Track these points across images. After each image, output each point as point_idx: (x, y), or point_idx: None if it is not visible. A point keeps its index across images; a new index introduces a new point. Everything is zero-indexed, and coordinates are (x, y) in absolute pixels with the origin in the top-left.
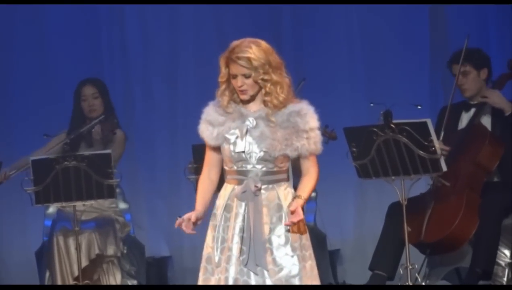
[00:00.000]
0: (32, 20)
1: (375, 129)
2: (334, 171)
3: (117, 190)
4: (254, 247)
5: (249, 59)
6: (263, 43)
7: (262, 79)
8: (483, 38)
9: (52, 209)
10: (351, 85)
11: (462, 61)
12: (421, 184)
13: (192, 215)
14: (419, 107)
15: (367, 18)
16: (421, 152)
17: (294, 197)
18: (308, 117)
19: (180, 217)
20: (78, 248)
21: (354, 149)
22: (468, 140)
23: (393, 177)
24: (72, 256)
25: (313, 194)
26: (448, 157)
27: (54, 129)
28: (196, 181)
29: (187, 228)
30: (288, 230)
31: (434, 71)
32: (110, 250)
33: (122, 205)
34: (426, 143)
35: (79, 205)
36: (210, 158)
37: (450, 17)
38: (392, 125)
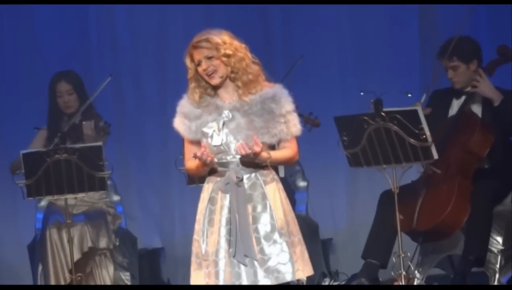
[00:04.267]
0: (21, 16)
1: (365, 118)
2: (325, 160)
3: (109, 182)
4: (241, 238)
5: (207, 40)
6: (222, 30)
7: (225, 55)
8: (472, 22)
9: (44, 202)
10: (340, 74)
11: (449, 55)
12: (412, 172)
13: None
14: (409, 95)
15: (356, 7)
16: (412, 140)
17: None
18: (283, 101)
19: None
20: (70, 241)
21: (345, 138)
22: (458, 127)
23: (384, 166)
24: (65, 249)
25: (305, 184)
26: (439, 145)
27: (43, 122)
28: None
29: (207, 156)
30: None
31: (423, 58)
32: (103, 243)
33: (114, 197)
34: (416, 131)
35: (70, 198)
36: (191, 151)
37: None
38: (383, 114)
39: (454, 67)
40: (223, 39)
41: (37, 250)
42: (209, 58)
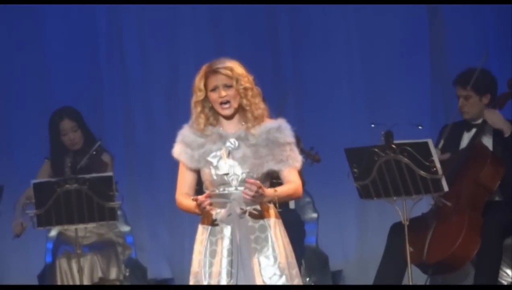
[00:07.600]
0: (31, 43)
1: (376, 150)
2: (336, 192)
3: (119, 213)
4: (244, 270)
5: (231, 69)
6: (236, 61)
7: (244, 88)
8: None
9: (53, 232)
10: (351, 105)
11: (464, 84)
12: (422, 205)
13: (201, 197)
14: (420, 127)
15: (367, 38)
16: (422, 172)
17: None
18: (287, 132)
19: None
20: (80, 271)
21: (355, 170)
22: (469, 159)
23: (394, 198)
24: (75, 279)
25: (315, 215)
26: (449, 177)
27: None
28: None
29: (207, 204)
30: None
31: (434, 91)
32: (113, 273)
33: (124, 228)
34: (427, 163)
35: (80, 228)
36: (186, 180)
37: (450, 36)
38: (393, 146)
39: (466, 97)
40: (242, 71)
41: (46, 280)
42: (228, 86)
